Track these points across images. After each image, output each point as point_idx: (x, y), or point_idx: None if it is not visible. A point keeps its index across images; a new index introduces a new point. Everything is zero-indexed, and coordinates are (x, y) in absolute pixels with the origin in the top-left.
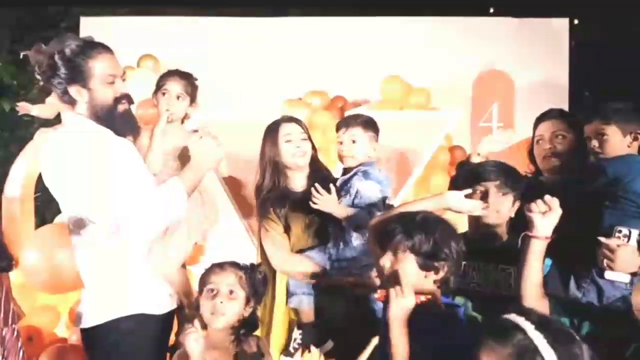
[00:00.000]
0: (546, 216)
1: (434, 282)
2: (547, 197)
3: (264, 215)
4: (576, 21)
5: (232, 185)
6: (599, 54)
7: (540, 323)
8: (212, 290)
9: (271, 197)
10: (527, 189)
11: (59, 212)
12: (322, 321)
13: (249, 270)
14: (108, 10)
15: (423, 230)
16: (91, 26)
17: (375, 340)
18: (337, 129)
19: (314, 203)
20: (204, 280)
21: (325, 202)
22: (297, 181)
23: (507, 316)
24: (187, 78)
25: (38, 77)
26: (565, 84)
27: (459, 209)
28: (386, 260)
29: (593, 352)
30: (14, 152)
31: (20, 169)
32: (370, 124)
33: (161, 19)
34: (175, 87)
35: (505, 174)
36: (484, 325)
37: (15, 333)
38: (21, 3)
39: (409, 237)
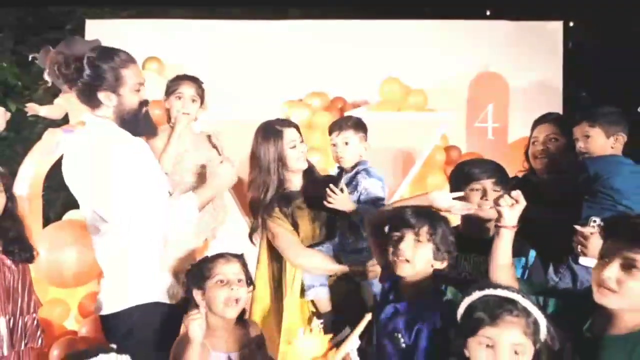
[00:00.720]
0: (513, 208)
1: (433, 272)
2: (514, 192)
3: (269, 215)
4: (571, 23)
5: (235, 184)
6: (593, 55)
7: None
8: (222, 280)
9: (275, 198)
10: (517, 186)
11: (63, 210)
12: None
13: (242, 259)
14: (108, 10)
15: (445, 228)
16: (96, 29)
17: (368, 316)
18: (330, 132)
19: (329, 202)
20: (210, 272)
21: (340, 200)
22: (296, 181)
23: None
24: (197, 82)
25: (47, 78)
26: (559, 85)
27: (444, 209)
28: (407, 244)
29: (553, 327)
30: (19, 152)
31: (28, 168)
32: (360, 125)
33: (165, 22)
34: (189, 90)
35: (498, 172)
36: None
37: (36, 321)
38: (24, 3)
39: (435, 230)
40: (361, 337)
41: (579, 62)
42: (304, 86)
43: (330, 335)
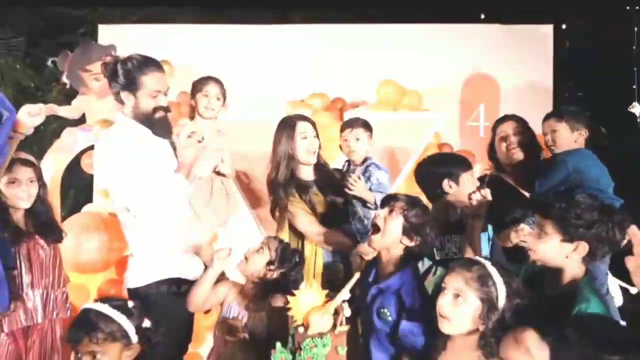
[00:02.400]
0: (480, 202)
1: (405, 249)
2: (483, 191)
3: (288, 199)
4: (564, 26)
5: (241, 178)
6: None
7: (492, 262)
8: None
9: (294, 185)
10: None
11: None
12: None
13: (278, 241)
14: (118, 14)
15: (421, 209)
16: (108, 33)
17: (357, 275)
18: (342, 130)
19: (350, 190)
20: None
21: (359, 188)
22: (307, 173)
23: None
24: (221, 83)
25: (65, 80)
26: (549, 86)
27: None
28: (382, 212)
29: (522, 285)
30: (35, 150)
31: (48, 165)
32: (367, 126)
33: (174, 27)
34: (214, 89)
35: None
36: (453, 260)
37: (65, 295)
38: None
39: (409, 207)
40: (350, 292)
41: (571, 62)
42: (305, 87)
43: (327, 291)
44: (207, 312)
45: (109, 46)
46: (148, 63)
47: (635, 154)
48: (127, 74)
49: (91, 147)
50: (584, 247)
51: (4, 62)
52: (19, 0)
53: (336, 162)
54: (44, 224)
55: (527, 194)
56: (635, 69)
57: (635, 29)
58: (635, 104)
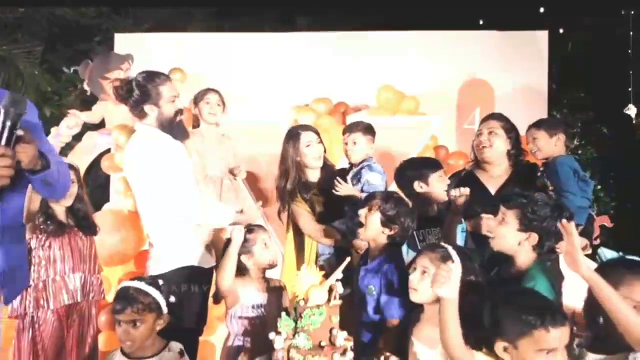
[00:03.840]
0: (456, 198)
1: (388, 237)
2: (462, 188)
3: (293, 200)
4: (561, 30)
5: (250, 179)
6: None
7: (454, 247)
8: (249, 239)
9: (298, 186)
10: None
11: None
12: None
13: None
14: (129, 21)
15: (394, 202)
16: (124, 42)
17: (347, 259)
18: (343, 133)
19: (337, 190)
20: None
21: (345, 189)
22: (313, 175)
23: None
24: (219, 92)
25: (86, 87)
26: (544, 90)
27: None
28: (362, 211)
29: (476, 266)
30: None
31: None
32: (368, 130)
33: (186, 35)
34: (214, 97)
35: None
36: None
37: (100, 280)
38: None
39: (384, 202)
40: (343, 272)
41: (569, 66)
42: (310, 92)
43: (323, 272)
44: (217, 303)
45: (126, 55)
46: (158, 75)
47: (631, 153)
48: (143, 89)
49: (108, 150)
50: (534, 238)
51: (23, 68)
52: (36, 8)
53: (339, 163)
54: (82, 219)
55: (492, 191)
56: (630, 72)
57: (631, 33)
58: (630, 106)
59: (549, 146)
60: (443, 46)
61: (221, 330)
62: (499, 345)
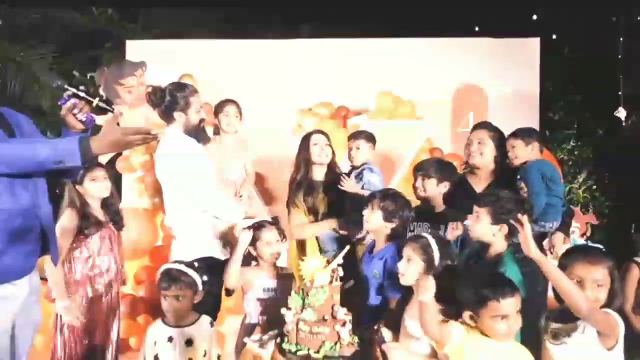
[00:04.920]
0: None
1: (391, 230)
2: (459, 224)
3: (293, 200)
4: (554, 36)
5: (257, 179)
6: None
7: (434, 236)
8: (258, 238)
9: (302, 186)
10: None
11: None
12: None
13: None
14: (138, 27)
15: (391, 199)
16: (135, 48)
17: (347, 247)
18: (348, 140)
19: (342, 186)
20: (255, 236)
21: (348, 185)
22: (319, 174)
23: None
24: (237, 103)
25: (102, 92)
26: (536, 94)
27: None
28: (366, 211)
29: (453, 252)
30: None
31: None
32: (370, 138)
33: (193, 42)
34: (232, 109)
35: (441, 166)
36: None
37: (124, 270)
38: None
39: (383, 200)
40: (343, 258)
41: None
42: (313, 97)
43: (327, 258)
44: (229, 295)
45: (139, 63)
46: (187, 86)
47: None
48: (174, 97)
49: (120, 154)
50: (504, 228)
51: (40, 73)
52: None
53: (341, 163)
54: (114, 213)
55: (479, 191)
56: (620, 76)
57: (621, 38)
58: (620, 109)
59: (525, 153)
60: (438, 53)
61: (230, 321)
62: (466, 315)
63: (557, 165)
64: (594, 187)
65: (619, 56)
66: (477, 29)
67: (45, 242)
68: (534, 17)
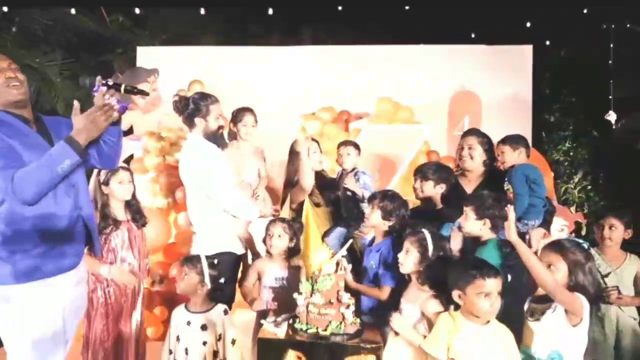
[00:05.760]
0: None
1: (388, 227)
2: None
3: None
4: (547, 42)
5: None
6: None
7: (430, 231)
8: (271, 234)
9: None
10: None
11: None
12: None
13: (291, 222)
14: (146, 34)
15: (390, 199)
16: (146, 55)
17: (350, 240)
18: (338, 147)
19: (345, 184)
20: (267, 229)
21: (351, 183)
22: (310, 178)
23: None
24: (254, 113)
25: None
26: (529, 99)
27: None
28: (367, 210)
29: (445, 245)
30: None
31: None
32: (357, 146)
33: (201, 48)
34: (250, 119)
35: (438, 170)
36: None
37: (147, 264)
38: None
39: (382, 201)
40: (347, 250)
41: (555, 76)
42: (316, 102)
43: (332, 251)
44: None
45: (152, 70)
46: (210, 96)
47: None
48: (197, 105)
49: (131, 156)
50: (487, 222)
51: (55, 79)
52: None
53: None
54: (136, 213)
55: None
56: (611, 81)
57: (611, 45)
58: (610, 112)
59: (513, 158)
60: (435, 61)
61: (238, 314)
62: (455, 294)
63: (548, 167)
64: (589, 187)
65: (610, 62)
66: (473, 35)
67: (90, 237)
68: (528, 24)
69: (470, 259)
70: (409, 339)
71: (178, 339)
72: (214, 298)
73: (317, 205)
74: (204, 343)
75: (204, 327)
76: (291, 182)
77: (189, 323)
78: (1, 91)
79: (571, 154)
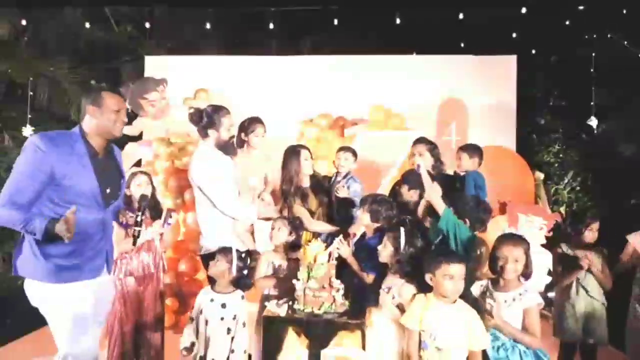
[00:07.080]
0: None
1: (375, 227)
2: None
3: (292, 205)
4: (533, 51)
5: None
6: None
7: (406, 229)
8: (273, 227)
9: (296, 192)
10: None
11: None
12: None
13: (291, 219)
14: (152, 42)
15: (378, 204)
16: (154, 63)
17: (340, 237)
18: (337, 152)
19: (338, 194)
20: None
21: (343, 192)
22: (305, 181)
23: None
24: (263, 123)
25: (128, 105)
26: (513, 106)
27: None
28: (359, 211)
29: (417, 241)
30: None
31: None
32: (354, 152)
33: (205, 58)
34: (261, 129)
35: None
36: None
37: (164, 257)
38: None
39: (371, 205)
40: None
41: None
42: (313, 109)
43: (325, 244)
44: None
45: (161, 79)
46: (222, 108)
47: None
48: (210, 117)
49: (139, 162)
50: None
51: (68, 87)
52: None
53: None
54: (156, 212)
55: None
56: (592, 88)
57: (593, 54)
58: (592, 117)
59: (468, 164)
60: (424, 69)
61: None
62: (427, 277)
63: (529, 171)
64: (578, 188)
65: (592, 70)
66: (462, 45)
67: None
68: (514, 35)
69: (441, 249)
70: (393, 313)
71: (201, 312)
72: (235, 284)
73: (310, 212)
74: (222, 318)
75: (223, 306)
76: (287, 186)
77: (212, 300)
78: (111, 125)
79: (561, 155)
